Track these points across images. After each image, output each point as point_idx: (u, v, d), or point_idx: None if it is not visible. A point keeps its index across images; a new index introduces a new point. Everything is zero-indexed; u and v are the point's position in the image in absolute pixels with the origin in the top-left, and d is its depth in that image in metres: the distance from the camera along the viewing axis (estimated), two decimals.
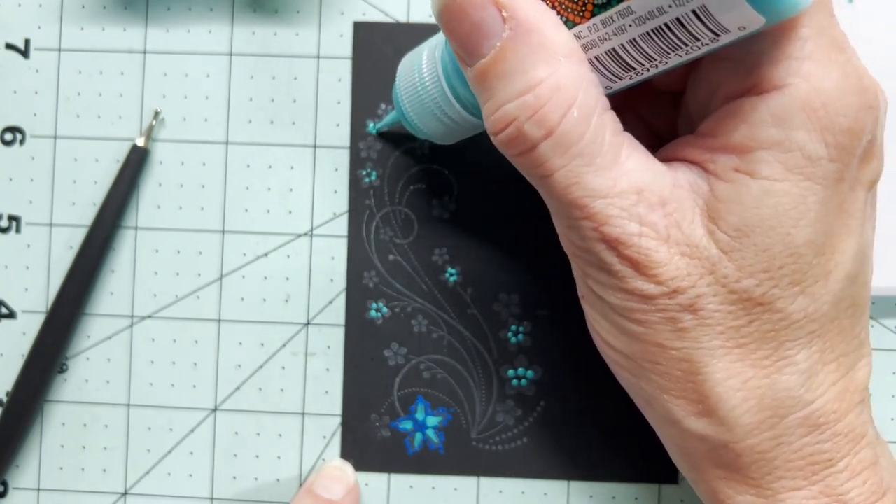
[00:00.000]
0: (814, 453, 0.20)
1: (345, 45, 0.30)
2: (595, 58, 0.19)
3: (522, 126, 0.19)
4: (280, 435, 0.30)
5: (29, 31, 0.30)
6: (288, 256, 0.30)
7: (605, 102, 0.19)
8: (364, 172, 0.30)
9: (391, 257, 0.29)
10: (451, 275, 0.29)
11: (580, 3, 0.18)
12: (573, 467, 0.29)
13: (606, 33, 0.18)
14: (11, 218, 0.30)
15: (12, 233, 0.30)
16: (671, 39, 0.18)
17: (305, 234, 0.30)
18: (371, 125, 0.29)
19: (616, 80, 0.20)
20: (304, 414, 0.30)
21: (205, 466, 0.30)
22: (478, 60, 0.19)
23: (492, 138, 0.20)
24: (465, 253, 0.29)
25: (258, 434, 0.30)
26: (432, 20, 0.30)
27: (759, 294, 0.19)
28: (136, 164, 0.29)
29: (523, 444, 0.29)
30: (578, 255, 0.21)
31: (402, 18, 0.30)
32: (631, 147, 0.19)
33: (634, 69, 0.19)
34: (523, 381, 0.29)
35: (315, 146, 0.30)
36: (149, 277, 0.30)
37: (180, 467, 0.30)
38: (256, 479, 0.30)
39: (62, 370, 0.30)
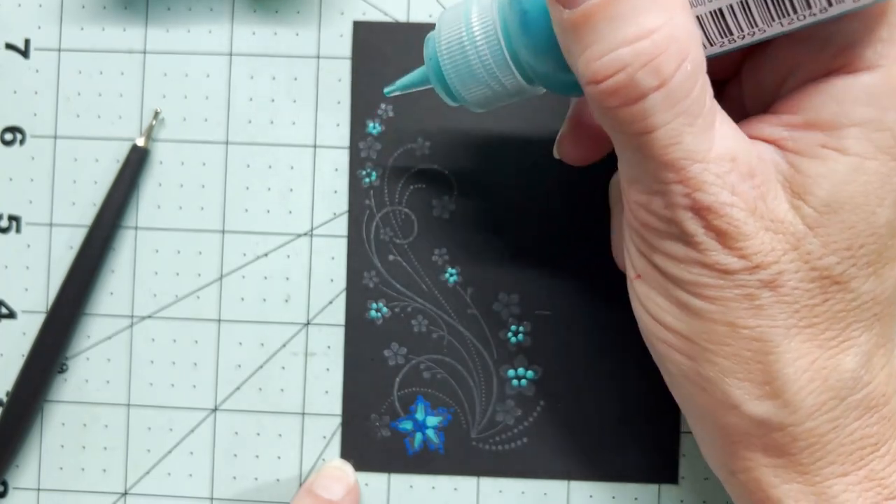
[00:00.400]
0: (863, 437, 0.20)
1: (345, 45, 0.30)
2: (697, 17, 0.18)
3: (635, 74, 0.17)
4: (280, 435, 0.30)
5: (29, 31, 0.30)
6: (288, 256, 0.30)
7: (706, 63, 0.19)
8: (364, 172, 0.30)
9: (391, 257, 0.29)
10: (451, 275, 0.29)
11: None
12: (573, 467, 0.29)
13: None
14: (11, 218, 0.30)
15: (12, 233, 0.30)
16: (784, 4, 0.17)
17: (305, 234, 0.30)
18: (385, 90, 0.26)
19: (707, 46, 0.19)
20: (304, 414, 0.30)
21: (205, 466, 0.30)
22: (581, 2, 0.18)
23: (588, 88, 0.18)
24: (465, 253, 0.29)
25: (258, 434, 0.30)
26: (432, 20, 0.30)
27: (838, 273, 0.19)
28: (136, 164, 0.29)
29: (523, 444, 0.29)
30: (653, 224, 0.20)
31: (402, 18, 0.30)
32: (723, 114, 0.19)
33: (730, 35, 0.19)
34: (523, 381, 0.29)
35: (315, 146, 0.30)
36: (149, 277, 0.30)
37: (180, 467, 0.30)
38: (256, 479, 0.30)
39: (62, 370, 0.30)
